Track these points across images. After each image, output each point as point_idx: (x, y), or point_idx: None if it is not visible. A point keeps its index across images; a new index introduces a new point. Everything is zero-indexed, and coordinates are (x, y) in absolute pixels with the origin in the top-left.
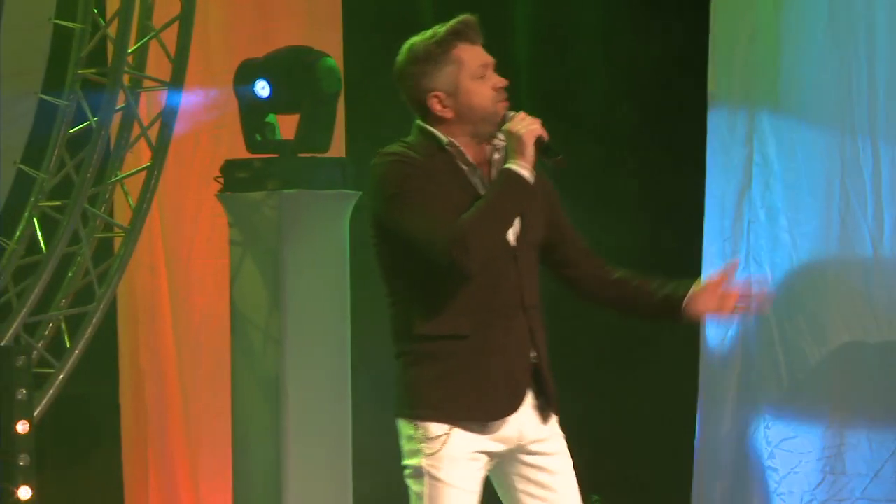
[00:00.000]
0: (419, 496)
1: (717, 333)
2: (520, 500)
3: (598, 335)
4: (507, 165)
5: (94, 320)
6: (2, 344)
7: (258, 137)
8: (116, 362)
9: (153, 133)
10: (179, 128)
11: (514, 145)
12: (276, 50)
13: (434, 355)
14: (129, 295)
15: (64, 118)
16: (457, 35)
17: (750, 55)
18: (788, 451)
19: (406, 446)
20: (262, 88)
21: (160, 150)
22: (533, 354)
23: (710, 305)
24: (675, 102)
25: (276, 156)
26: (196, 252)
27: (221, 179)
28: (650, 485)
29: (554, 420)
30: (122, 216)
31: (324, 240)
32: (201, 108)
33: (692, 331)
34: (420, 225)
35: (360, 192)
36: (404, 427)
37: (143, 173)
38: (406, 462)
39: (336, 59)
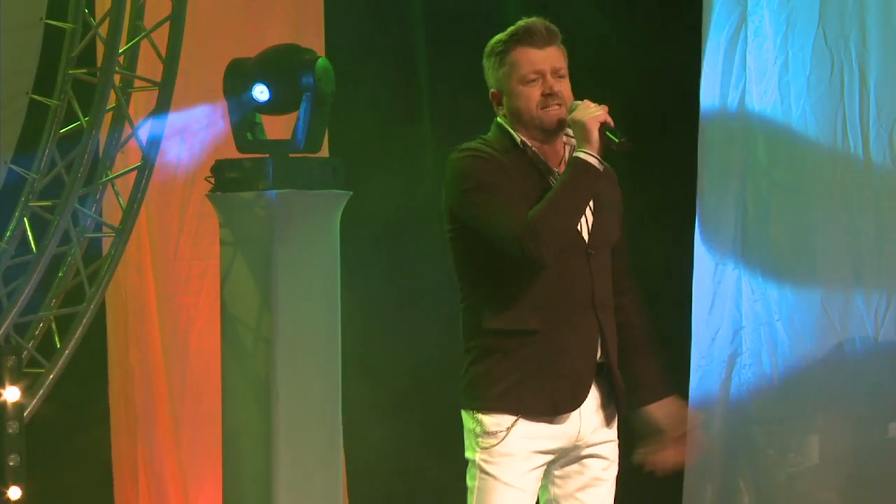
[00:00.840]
0: (470, 489)
1: (706, 334)
2: (555, 499)
3: None
4: (576, 154)
5: (84, 320)
6: None
7: (249, 137)
8: (105, 362)
9: (144, 133)
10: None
11: (580, 133)
12: (268, 49)
13: (502, 350)
14: (118, 295)
15: (55, 118)
16: (517, 38)
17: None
18: (779, 451)
19: (466, 439)
20: (261, 93)
21: (151, 150)
22: (600, 354)
23: (658, 449)
24: (668, 107)
25: (266, 156)
26: (182, 252)
27: (212, 179)
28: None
29: (615, 425)
30: (113, 216)
31: (315, 240)
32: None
33: (683, 331)
34: (494, 217)
35: (351, 192)
36: (467, 419)
37: (134, 174)
38: (468, 454)
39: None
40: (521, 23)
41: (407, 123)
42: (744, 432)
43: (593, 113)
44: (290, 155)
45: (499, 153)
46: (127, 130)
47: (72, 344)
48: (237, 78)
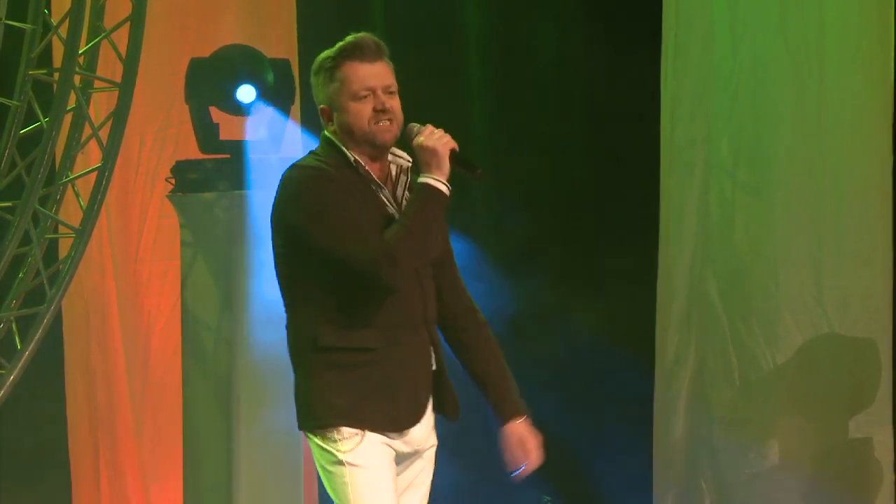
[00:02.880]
0: (340, 491)
1: (670, 334)
2: None
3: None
4: (425, 180)
5: (45, 321)
6: None
7: (210, 138)
8: (63, 364)
9: (104, 134)
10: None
11: (429, 159)
12: (223, 48)
13: (339, 367)
14: (78, 296)
15: (15, 119)
16: (346, 54)
17: (704, 57)
18: (740, 451)
19: (320, 456)
20: (248, 94)
21: (111, 150)
22: (433, 366)
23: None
24: (628, 108)
25: (227, 156)
26: (143, 253)
27: (173, 180)
28: (607, 487)
29: (433, 433)
30: (73, 217)
31: None
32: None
33: (647, 331)
34: (347, 242)
35: None
36: (314, 439)
37: (94, 174)
38: (324, 465)
39: (290, 58)
40: (349, 38)
41: None
42: (706, 433)
43: (442, 139)
44: (251, 156)
45: (334, 170)
46: (87, 131)
47: (32, 345)
48: (197, 79)
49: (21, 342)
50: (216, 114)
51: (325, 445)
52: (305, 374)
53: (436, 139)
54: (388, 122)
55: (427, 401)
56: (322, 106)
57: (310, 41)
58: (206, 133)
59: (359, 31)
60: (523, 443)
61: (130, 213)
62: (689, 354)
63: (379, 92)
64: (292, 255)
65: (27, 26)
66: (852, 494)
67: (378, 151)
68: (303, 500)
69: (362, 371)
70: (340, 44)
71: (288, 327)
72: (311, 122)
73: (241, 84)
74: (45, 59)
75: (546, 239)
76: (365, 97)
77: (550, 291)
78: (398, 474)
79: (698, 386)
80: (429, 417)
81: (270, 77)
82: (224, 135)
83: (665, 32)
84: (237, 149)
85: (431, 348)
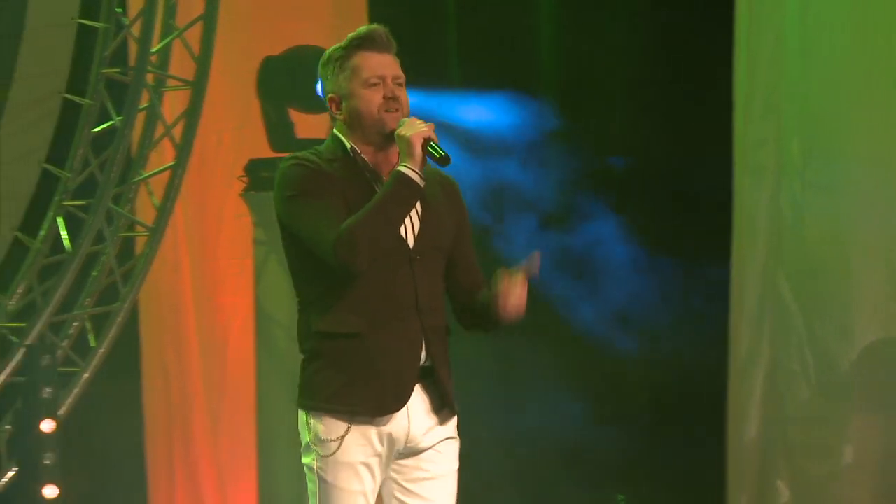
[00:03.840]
0: (312, 494)
1: (745, 334)
2: (391, 494)
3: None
4: (397, 168)
5: (118, 319)
6: (27, 343)
7: (281, 135)
8: (139, 361)
9: (177, 132)
10: None
11: (404, 148)
12: (296, 47)
13: (329, 352)
14: (153, 294)
15: (88, 117)
16: (359, 44)
17: (776, 55)
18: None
19: (303, 438)
20: None
21: (184, 149)
22: (424, 356)
23: (508, 303)
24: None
25: None
26: (220, 251)
27: (246, 179)
28: (680, 486)
29: (452, 423)
30: (146, 215)
31: None
32: None
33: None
34: (313, 223)
35: None
36: (302, 418)
37: (168, 173)
38: (303, 458)
39: None
40: (361, 29)
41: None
42: (780, 432)
43: (418, 129)
44: None
45: (325, 162)
46: (160, 129)
47: (106, 343)
48: (270, 77)
49: (95, 341)
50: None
51: (308, 436)
52: (305, 359)
53: (412, 128)
54: (396, 111)
55: (411, 389)
56: (331, 96)
57: None
58: (278, 130)
59: (430, 31)
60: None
61: (207, 211)
62: (762, 353)
63: (389, 81)
64: (289, 243)
65: (100, 25)
66: None
67: (386, 139)
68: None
69: (346, 356)
70: (351, 35)
71: (297, 313)
72: None
73: (308, 84)
74: (118, 57)
75: (617, 236)
76: (376, 85)
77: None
78: (396, 467)
79: (772, 385)
80: (426, 413)
81: None
82: (298, 133)
83: (737, 33)
84: (309, 146)
85: (423, 337)
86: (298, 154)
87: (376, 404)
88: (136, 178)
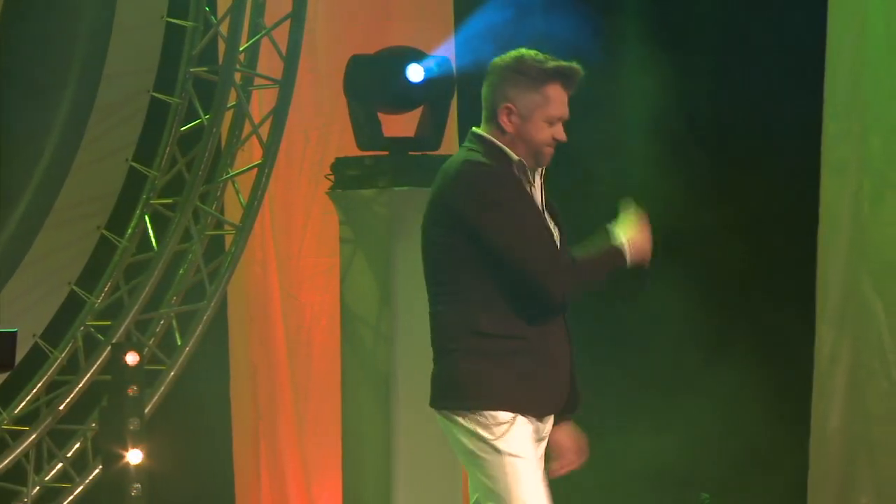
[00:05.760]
0: (495, 478)
1: (828, 331)
2: None
3: (708, 336)
4: (622, 242)
5: (205, 317)
6: (114, 341)
7: (368, 134)
8: (227, 359)
9: (264, 131)
10: None
11: (638, 239)
12: (387, 49)
13: (498, 352)
14: (240, 292)
15: (176, 116)
16: (560, 75)
17: (859, 47)
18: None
19: (464, 437)
20: (417, 73)
21: (271, 147)
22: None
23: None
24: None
25: (386, 153)
26: (306, 250)
27: (332, 177)
28: (762, 482)
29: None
30: (233, 214)
31: None
32: None
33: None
34: (522, 245)
35: None
36: (460, 419)
37: (254, 171)
38: (472, 448)
39: (448, 57)
40: (566, 62)
41: None
42: (863, 429)
43: (648, 243)
44: (410, 152)
45: (504, 169)
46: (247, 128)
47: (192, 341)
48: (358, 75)
49: (182, 339)
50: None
51: (473, 428)
52: (459, 358)
53: (649, 238)
54: (553, 151)
55: (568, 388)
56: (508, 104)
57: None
58: (365, 129)
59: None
60: (574, 441)
61: (294, 209)
62: (843, 351)
63: (561, 124)
64: (455, 245)
65: (188, 24)
66: None
67: (533, 164)
68: (461, 497)
69: (515, 358)
70: (555, 62)
71: (438, 313)
72: (467, 118)
73: (410, 63)
74: (207, 56)
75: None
76: (551, 123)
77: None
78: None
79: (855, 382)
80: None
81: (434, 68)
82: (384, 132)
83: (830, 28)
84: (396, 145)
85: (568, 341)
86: (482, 160)
87: (540, 406)
88: (224, 177)
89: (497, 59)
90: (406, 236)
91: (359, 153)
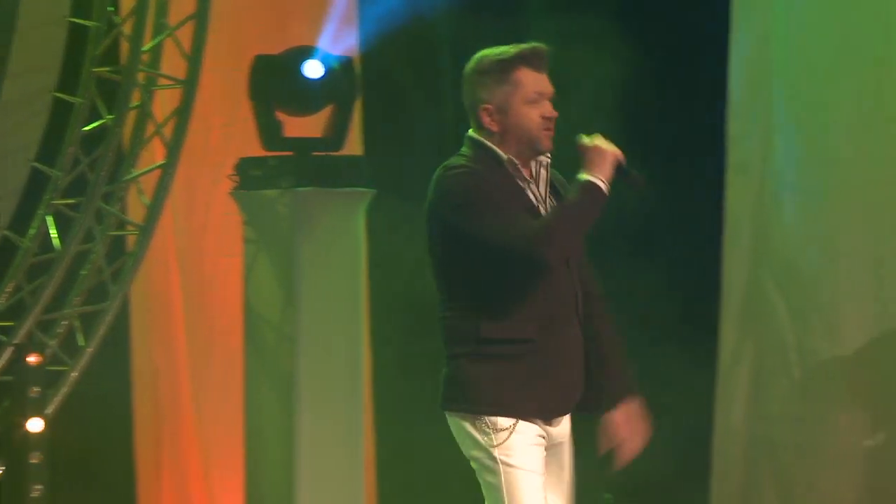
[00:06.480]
0: (494, 486)
1: (731, 333)
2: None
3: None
4: (588, 177)
5: (107, 318)
6: (16, 342)
7: (273, 135)
8: (129, 360)
9: (167, 131)
10: None
11: (595, 159)
12: (290, 49)
13: (500, 356)
14: (143, 293)
15: (79, 116)
16: (522, 59)
17: (762, 52)
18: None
19: (467, 440)
20: (315, 69)
21: (175, 147)
22: (584, 360)
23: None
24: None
25: (290, 154)
26: (207, 250)
27: (235, 177)
28: (665, 483)
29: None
30: (136, 214)
31: (338, 237)
32: None
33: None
34: (498, 225)
35: (375, 190)
36: (463, 423)
37: (158, 171)
38: (474, 454)
39: (352, 57)
40: (526, 45)
41: (435, 121)
42: (766, 430)
43: (612, 148)
44: (314, 153)
45: (485, 171)
46: (151, 128)
47: (95, 342)
48: (262, 76)
49: (84, 340)
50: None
51: (474, 433)
52: (464, 363)
53: (606, 143)
54: (550, 131)
55: (579, 394)
56: (486, 105)
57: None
58: (270, 130)
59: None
60: (632, 421)
61: (195, 210)
62: (746, 351)
63: (547, 100)
64: (450, 251)
65: (91, 24)
66: None
67: (535, 154)
68: (363, 497)
69: (520, 361)
70: (515, 49)
71: (443, 318)
72: (373, 119)
73: (301, 83)
74: (109, 56)
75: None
76: (536, 102)
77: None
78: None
79: (757, 382)
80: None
81: (336, 68)
82: (287, 132)
83: (733, 33)
84: (300, 146)
85: (583, 344)
86: (458, 163)
87: (550, 407)
88: (127, 177)
89: (463, 72)
90: (309, 236)
91: (262, 153)
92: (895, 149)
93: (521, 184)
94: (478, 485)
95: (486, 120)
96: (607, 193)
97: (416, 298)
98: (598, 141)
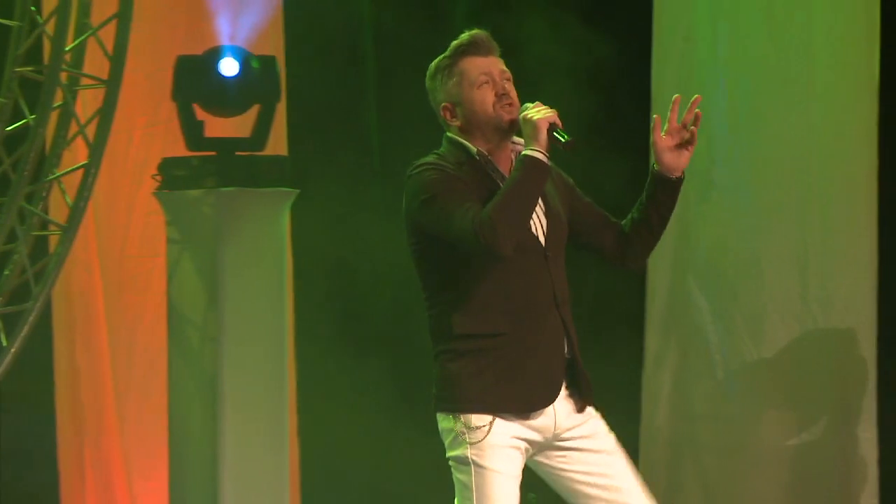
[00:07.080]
0: (465, 485)
1: (657, 331)
2: (572, 486)
3: None
4: (524, 152)
5: (30, 318)
6: None
7: (196, 135)
8: (52, 360)
9: (90, 131)
10: None
11: (529, 131)
12: (212, 48)
13: (474, 351)
14: (65, 293)
15: (1, 116)
16: (463, 51)
17: (685, 56)
18: (726, 448)
19: (447, 438)
20: (231, 67)
21: (97, 148)
22: (567, 350)
23: (672, 147)
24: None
25: (213, 154)
26: (128, 250)
27: (159, 177)
28: None
29: (590, 408)
30: (59, 214)
31: (262, 238)
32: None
33: (636, 325)
34: (451, 215)
35: (299, 191)
36: (444, 420)
37: (81, 171)
38: (450, 453)
39: (278, 59)
40: (463, 36)
41: (358, 123)
42: (689, 430)
43: (543, 113)
44: (237, 153)
45: (453, 166)
46: (74, 128)
47: (18, 342)
48: (184, 76)
49: (6, 340)
50: (203, 112)
51: (452, 431)
52: (443, 361)
53: (537, 113)
54: (509, 106)
55: (561, 384)
56: (444, 104)
57: (297, 42)
58: (193, 130)
59: (350, 31)
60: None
61: (117, 210)
62: (670, 351)
63: (497, 77)
64: (423, 249)
65: (13, 23)
66: (837, 491)
67: (503, 135)
68: (287, 498)
69: (493, 355)
70: (454, 43)
71: (428, 318)
72: (297, 119)
73: (224, 83)
74: (32, 56)
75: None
76: (486, 83)
77: None
78: (554, 466)
79: (681, 382)
80: (564, 398)
81: (257, 66)
82: (210, 132)
83: (655, 32)
84: (223, 146)
85: (564, 332)
86: (427, 160)
87: (527, 402)
88: (49, 177)
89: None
90: (233, 237)
91: (185, 153)
92: (820, 150)
93: (492, 175)
94: (407, 483)
95: (449, 117)
96: (547, 161)
97: (340, 298)
98: (529, 112)
